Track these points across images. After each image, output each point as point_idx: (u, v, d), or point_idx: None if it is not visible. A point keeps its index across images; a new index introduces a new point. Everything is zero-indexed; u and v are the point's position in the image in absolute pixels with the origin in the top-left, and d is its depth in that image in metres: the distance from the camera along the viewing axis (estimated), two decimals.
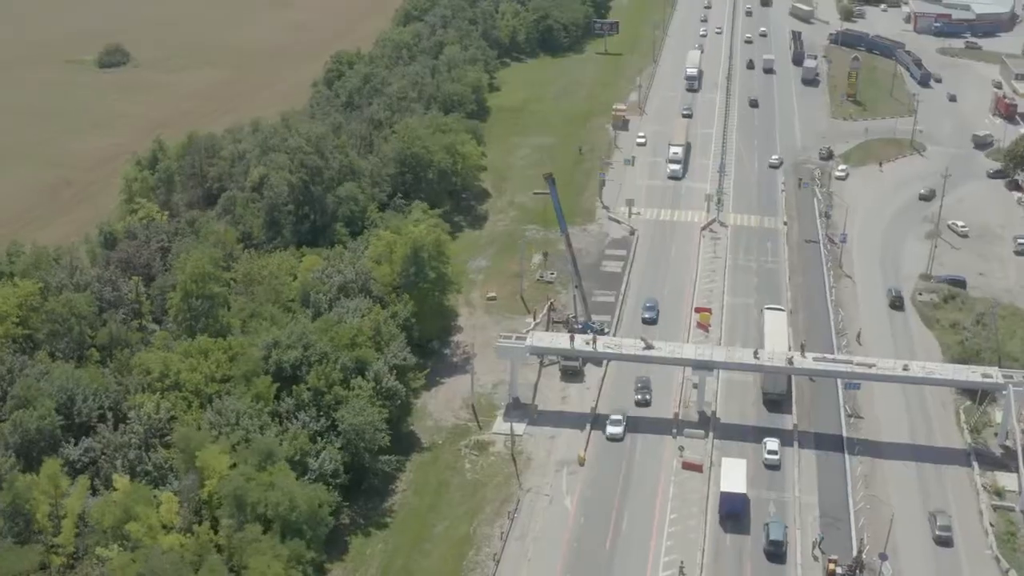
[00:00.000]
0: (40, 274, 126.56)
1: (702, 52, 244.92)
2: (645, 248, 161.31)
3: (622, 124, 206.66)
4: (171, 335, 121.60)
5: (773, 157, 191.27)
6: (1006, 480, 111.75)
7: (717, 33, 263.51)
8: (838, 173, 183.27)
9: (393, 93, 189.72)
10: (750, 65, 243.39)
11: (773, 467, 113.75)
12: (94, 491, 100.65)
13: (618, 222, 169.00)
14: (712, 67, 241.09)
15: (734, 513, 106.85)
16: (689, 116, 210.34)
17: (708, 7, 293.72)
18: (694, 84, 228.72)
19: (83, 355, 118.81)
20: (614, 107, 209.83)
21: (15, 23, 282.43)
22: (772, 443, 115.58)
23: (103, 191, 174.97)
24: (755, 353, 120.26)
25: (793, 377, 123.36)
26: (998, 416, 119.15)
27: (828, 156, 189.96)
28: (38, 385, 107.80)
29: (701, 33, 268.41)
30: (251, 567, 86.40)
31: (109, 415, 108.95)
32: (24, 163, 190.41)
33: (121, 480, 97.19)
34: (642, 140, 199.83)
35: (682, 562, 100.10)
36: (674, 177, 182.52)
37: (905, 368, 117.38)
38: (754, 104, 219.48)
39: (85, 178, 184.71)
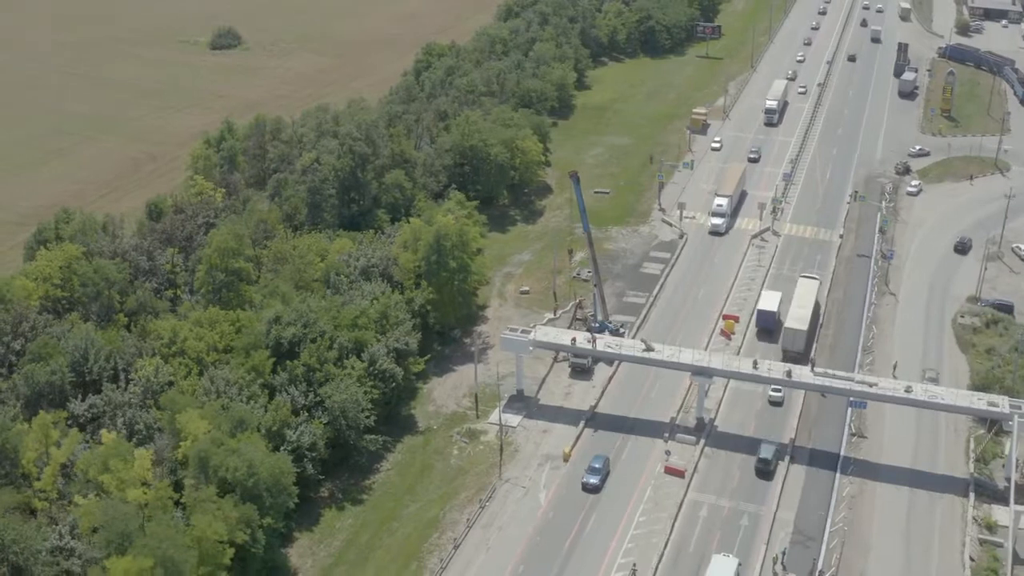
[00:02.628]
0: (84, 240, 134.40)
1: (790, 81, 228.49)
2: (690, 252, 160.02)
3: (701, 128, 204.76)
4: (194, 305, 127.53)
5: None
6: (1001, 514, 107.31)
7: (800, 92, 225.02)
8: (910, 188, 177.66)
9: (462, 86, 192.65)
10: (863, 23, 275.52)
11: (777, 404, 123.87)
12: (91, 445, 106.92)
13: (670, 225, 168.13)
14: (806, 78, 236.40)
15: (767, 328, 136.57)
16: (756, 160, 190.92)
17: (816, 28, 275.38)
18: (773, 118, 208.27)
19: (111, 319, 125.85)
20: (694, 111, 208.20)
21: (138, 3, 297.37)
22: (777, 395, 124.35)
23: (183, 167, 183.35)
24: (754, 363, 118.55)
25: (814, 334, 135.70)
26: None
27: (905, 171, 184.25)
28: (56, 343, 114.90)
29: (798, 58, 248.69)
30: (195, 524, 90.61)
31: (122, 375, 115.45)
32: (117, 136, 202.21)
33: (108, 435, 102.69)
34: (717, 145, 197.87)
35: (634, 564, 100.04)
36: (716, 232, 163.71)
37: (908, 390, 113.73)
38: (852, 59, 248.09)
39: (170, 154, 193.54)
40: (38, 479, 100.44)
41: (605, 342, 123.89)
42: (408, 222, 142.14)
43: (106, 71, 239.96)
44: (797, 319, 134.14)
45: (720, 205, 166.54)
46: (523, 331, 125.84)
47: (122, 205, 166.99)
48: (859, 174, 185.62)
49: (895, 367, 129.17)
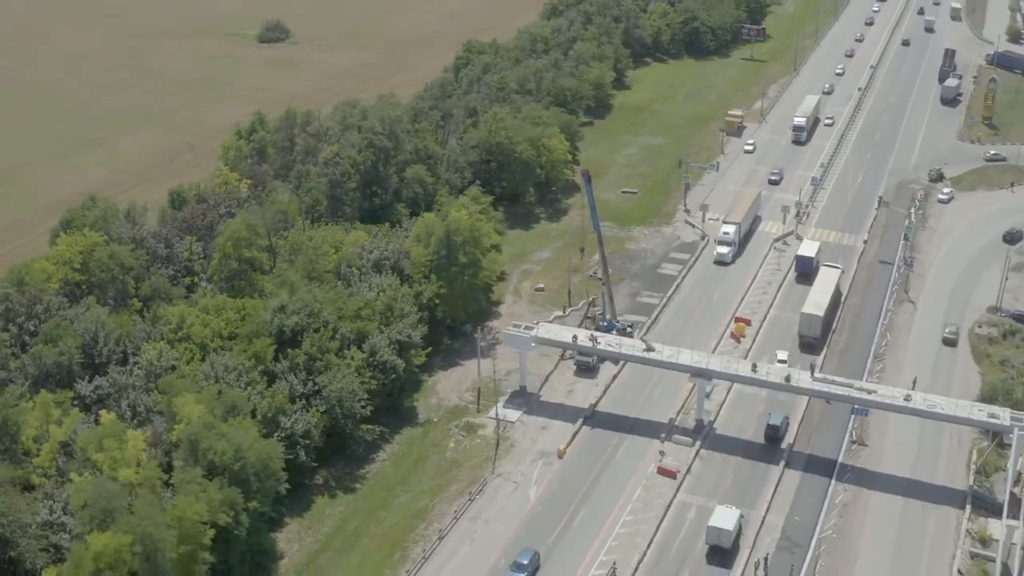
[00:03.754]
0: (104, 226, 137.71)
1: (826, 95, 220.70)
2: (710, 254, 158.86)
3: (736, 130, 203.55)
4: (205, 293, 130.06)
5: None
6: (997, 528, 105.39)
7: (827, 124, 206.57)
8: (941, 196, 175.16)
9: (493, 83, 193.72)
10: (920, 11, 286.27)
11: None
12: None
13: (693, 226, 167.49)
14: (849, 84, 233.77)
15: (805, 272, 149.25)
16: (777, 182, 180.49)
17: (859, 40, 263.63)
18: (801, 136, 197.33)
19: (126, 303, 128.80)
20: (728, 113, 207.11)
21: None
22: (782, 354, 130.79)
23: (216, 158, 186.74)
24: (753, 367, 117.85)
25: (832, 321, 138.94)
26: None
27: (938, 178, 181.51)
28: (69, 325, 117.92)
29: (837, 71, 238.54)
30: (176, 504, 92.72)
31: (131, 359, 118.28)
32: (158, 126, 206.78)
33: (107, 416, 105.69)
34: (750, 148, 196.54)
35: (615, 563, 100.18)
36: (721, 262, 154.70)
37: (906, 398, 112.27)
38: (906, 43, 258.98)
39: (208, 144, 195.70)
40: (38, 455, 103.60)
41: (606, 341, 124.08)
42: (422, 217, 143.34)
43: (153, 62, 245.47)
44: (814, 305, 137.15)
45: (727, 233, 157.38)
46: (526, 327, 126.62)
47: (155, 193, 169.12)
48: (891, 180, 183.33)
49: (915, 382, 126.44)
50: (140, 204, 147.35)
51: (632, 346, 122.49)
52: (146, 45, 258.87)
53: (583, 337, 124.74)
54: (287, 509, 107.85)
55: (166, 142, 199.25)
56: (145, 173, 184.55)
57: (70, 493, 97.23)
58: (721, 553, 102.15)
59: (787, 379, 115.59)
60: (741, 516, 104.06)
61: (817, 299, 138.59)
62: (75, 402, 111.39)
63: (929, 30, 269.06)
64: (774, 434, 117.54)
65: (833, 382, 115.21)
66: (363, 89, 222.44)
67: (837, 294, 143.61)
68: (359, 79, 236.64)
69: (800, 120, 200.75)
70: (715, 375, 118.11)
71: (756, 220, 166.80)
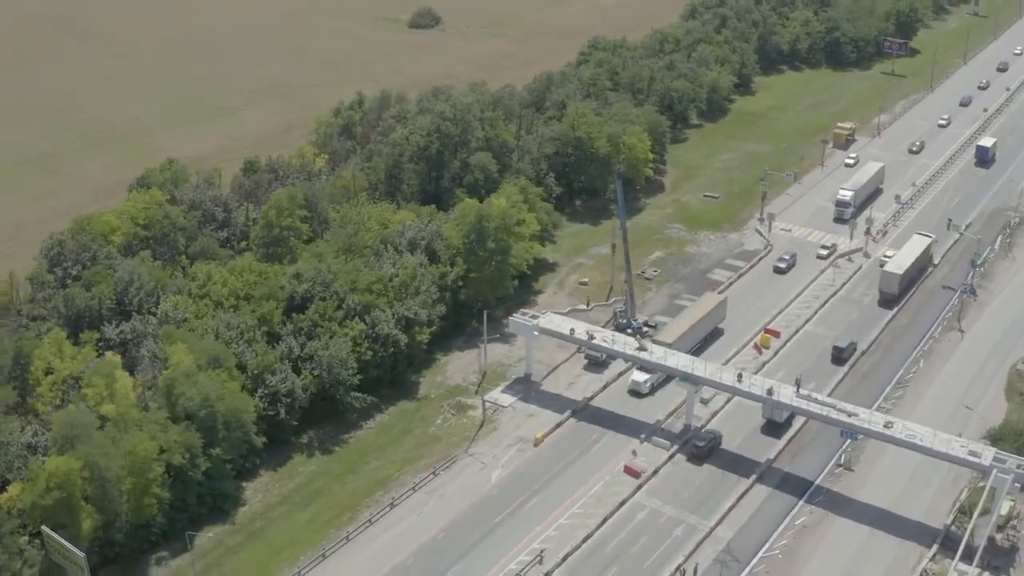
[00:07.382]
0: (173, 187, 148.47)
1: (912, 153, 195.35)
2: (767, 263, 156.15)
3: (844, 143, 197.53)
4: (244, 256, 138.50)
5: None
6: (960, 572, 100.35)
7: (912, 153, 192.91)
8: None
9: (585, 78, 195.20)
10: None
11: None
12: None
13: (761, 235, 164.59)
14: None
15: (983, 159, 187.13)
16: (783, 271, 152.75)
17: (983, 87, 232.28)
18: (844, 213, 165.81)
19: (174, 259, 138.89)
20: (838, 124, 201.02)
21: None
22: (891, 251, 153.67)
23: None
24: (739, 376, 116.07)
25: (913, 284, 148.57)
26: (1004, 504, 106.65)
27: None
28: (109, 273, 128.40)
29: (941, 121, 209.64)
30: (130, 440, 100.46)
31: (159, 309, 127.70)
32: (288, 101, 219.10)
33: (112, 357, 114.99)
34: (851, 161, 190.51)
35: (543, 550, 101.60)
36: (635, 392, 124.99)
37: (887, 425, 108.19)
38: None
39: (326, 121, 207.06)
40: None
41: (601, 337, 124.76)
42: (464, 202, 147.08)
43: (303, 40, 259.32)
44: (896, 265, 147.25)
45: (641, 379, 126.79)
46: (531, 316, 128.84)
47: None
48: (990, 204, 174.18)
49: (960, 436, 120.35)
50: (211, 169, 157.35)
51: (625, 344, 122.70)
52: (301, 23, 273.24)
53: (581, 330, 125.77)
54: (263, 462, 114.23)
55: (287, 116, 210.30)
56: (257, 143, 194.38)
57: (56, 418, 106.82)
58: (775, 426, 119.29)
59: (769, 392, 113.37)
60: (789, 415, 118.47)
61: (900, 260, 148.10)
62: (101, 343, 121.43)
63: None
64: (839, 355, 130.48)
65: (815, 400, 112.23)
66: (490, 78, 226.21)
67: (925, 259, 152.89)
68: (491, 69, 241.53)
69: (846, 194, 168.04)
70: (700, 380, 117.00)
71: (715, 333, 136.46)
